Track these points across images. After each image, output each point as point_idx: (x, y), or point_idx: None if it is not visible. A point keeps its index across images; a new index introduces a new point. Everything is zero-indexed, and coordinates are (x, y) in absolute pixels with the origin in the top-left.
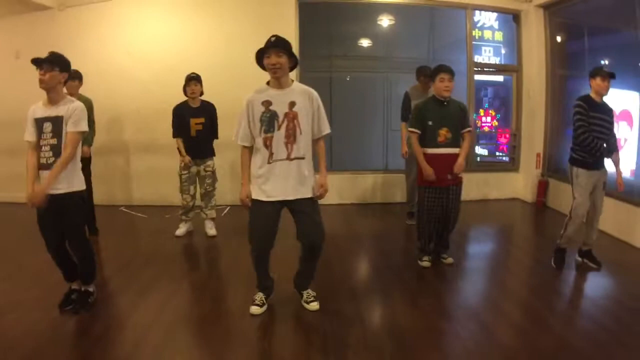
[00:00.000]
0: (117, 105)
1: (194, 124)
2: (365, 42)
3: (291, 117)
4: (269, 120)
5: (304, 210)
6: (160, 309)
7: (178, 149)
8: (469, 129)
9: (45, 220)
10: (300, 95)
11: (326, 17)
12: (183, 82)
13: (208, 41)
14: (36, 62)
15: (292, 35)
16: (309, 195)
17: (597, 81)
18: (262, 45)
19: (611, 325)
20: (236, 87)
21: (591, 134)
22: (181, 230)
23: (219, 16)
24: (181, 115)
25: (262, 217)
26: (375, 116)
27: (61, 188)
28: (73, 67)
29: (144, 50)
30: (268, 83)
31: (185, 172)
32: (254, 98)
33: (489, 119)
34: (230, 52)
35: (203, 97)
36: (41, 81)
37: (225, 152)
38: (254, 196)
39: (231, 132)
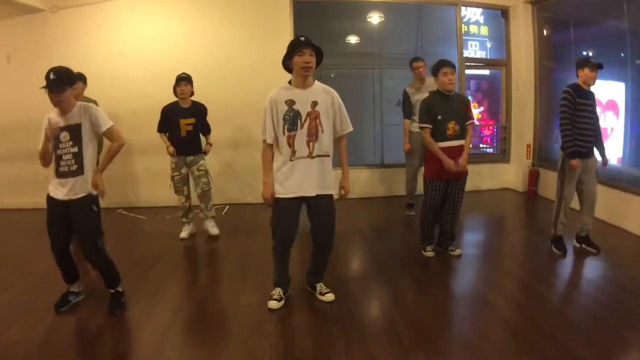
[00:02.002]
0: (112, 107)
1: (184, 124)
2: (354, 39)
3: (314, 116)
4: (293, 119)
5: (322, 208)
6: (176, 309)
7: (163, 141)
8: (471, 121)
9: (54, 223)
10: (322, 94)
11: (317, 15)
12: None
13: (203, 41)
14: (47, 87)
15: (287, 34)
16: (329, 192)
17: (586, 71)
18: (257, 46)
19: (609, 302)
20: (232, 87)
21: (572, 123)
22: (184, 232)
23: (214, 16)
24: (171, 116)
25: (285, 213)
26: (367, 112)
27: (83, 192)
28: None
29: (139, 51)
30: (290, 82)
31: (177, 173)
32: (278, 96)
33: (474, 111)
34: (226, 52)
35: (194, 98)
36: (56, 103)
37: (220, 152)
38: (276, 193)
39: (227, 132)
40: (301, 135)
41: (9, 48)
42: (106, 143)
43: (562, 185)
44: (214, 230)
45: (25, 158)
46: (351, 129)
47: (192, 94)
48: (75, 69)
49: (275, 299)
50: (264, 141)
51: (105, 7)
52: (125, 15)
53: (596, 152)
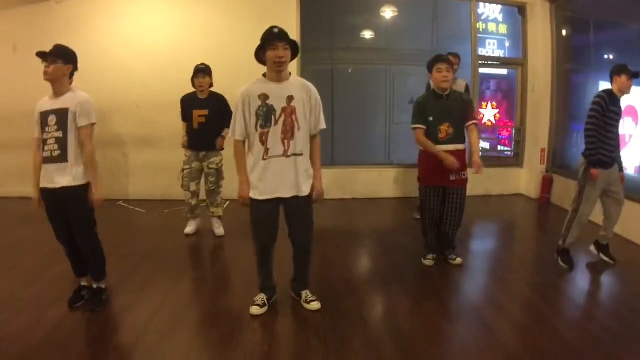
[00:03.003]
0: (115, 98)
1: (197, 115)
2: (367, 34)
3: (289, 112)
4: (266, 114)
5: (298, 209)
6: (157, 308)
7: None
8: (473, 121)
9: (51, 213)
10: (298, 89)
11: (328, 8)
12: (182, 75)
13: (208, 34)
14: (40, 55)
15: (293, 28)
16: (306, 194)
17: (623, 79)
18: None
19: (615, 327)
20: (237, 81)
21: (598, 129)
22: (189, 228)
23: (219, 8)
24: (186, 106)
25: (262, 217)
26: (377, 109)
27: (62, 182)
28: None
29: (143, 43)
30: (264, 75)
31: (187, 167)
32: (250, 91)
33: (491, 111)
34: (231, 45)
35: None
36: (45, 73)
37: (225, 147)
38: (251, 195)
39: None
40: (275, 132)
41: (15, 38)
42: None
43: (580, 197)
44: (218, 230)
45: (30, 147)
46: (324, 126)
47: (210, 85)
48: (80, 60)
49: (257, 305)
50: (236, 139)
51: None
52: (129, 6)
53: None
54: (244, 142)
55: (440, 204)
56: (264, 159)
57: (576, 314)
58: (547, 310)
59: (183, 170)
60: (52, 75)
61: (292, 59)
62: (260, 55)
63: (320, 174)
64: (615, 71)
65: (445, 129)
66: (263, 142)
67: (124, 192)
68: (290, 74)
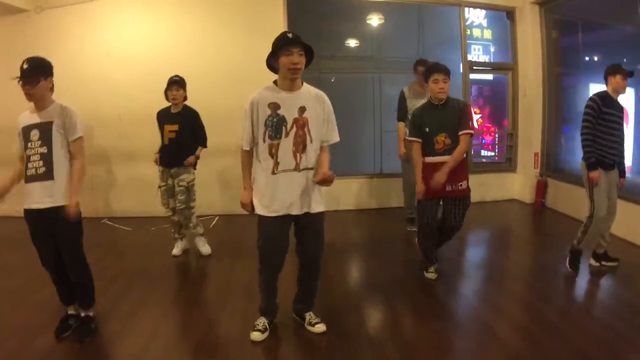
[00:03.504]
0: (97, 110)
1: (168, 131)
2: (354, 42)
3: (301, 124)
4: (276, 125)
5: (311, 228)
6: (150, 337)
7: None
8: (465, 131)
9: (37, 236)
10: (312, 99)
11: (314, 16)
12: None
13: (193, 42)
14: (19, 79)
15: None
16: (319, 210)
17: (617, 79)
18: (250, 47)
19: (618, 325)
20: (222, 90)
21: (593, 132)
22: (177, 249)
23: (205, 16)
24: (159, 121)
25: (271, 235)
26: (366, 118)
27: (51, 202)
28: None
29: (126, 53)
30: (275, 82)
31: (163, 184)
32: (260, 98)
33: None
34: (216, 53)
35: (188, 102)
36: (29, 95)
37: (213, 160)
38: (258, 211)
39: (218, 138)
40: (286, 144)
41: None
42: None
43: (591, 203)
44: (203, 249)
45: (7, 163)
46: (337, 139)
47: (184, 98)
48: (61, 70)
49: (258, 330)
50: (243, 148)
51: (90, 7)
52: (111, 16)
53: None
54: (250, 151)
55: (436, 215)
56: (273, 173)
57: (579, 315)
58: (554, 316)
59: (160, 187)
60: (39, 95)
61: (307, 65)
62: (272, 62)
63: (328, 164)
64: (610, 71)
65: (442, 139)
66: (272, 154)
67: (107, 210)
68: (302, 83)
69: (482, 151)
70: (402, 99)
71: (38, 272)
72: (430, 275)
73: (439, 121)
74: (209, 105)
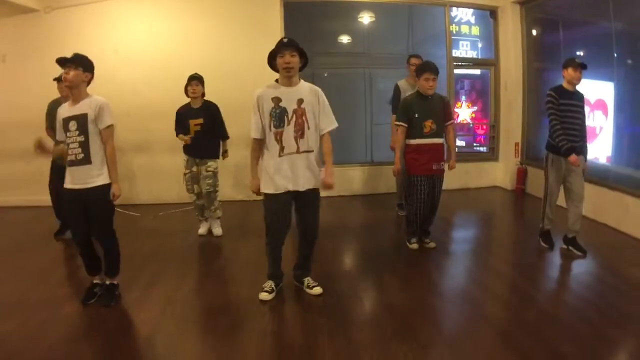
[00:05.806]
0: None
1: (193, 124)
2: (346, 39)
3: (300, 113)
4: (279, 115)
5: (310, 201)
6: (168, 301)
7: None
8: (451, 121)
9: (73, 213)
10: (307, 93)
11: (308, 15)
12: (171, 83)
13: (196, 41)
14: (60, 61)
15: (278, 35)
16: (316, 187)
17: (569, 71)
18: (249, 46)
19: (593, 298)
20: (223, 87)
21: (560, 123)
22: (202, 229)
23: (206, 16)
24: (182, 117)
25: (276, 209)
26: (358, 111)
27: (89, 183)
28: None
29: (133, 51)
30: (277, 81)
31: (187, 171)
32: (264, 93)
33: (466, 110)
34: (218, 52)
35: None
36: (65, 79)
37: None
38: (266, 190)
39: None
40: (288, 131)
41: (4, 48)
42: None
43: (547, 181)
44: (216, 230)
45: (20, 157)
46: (335, 125)
47: (203, 94)
48: None
49: (266, 291)
50: (253, 137)
51: (98, 7)
52: (119, 15)
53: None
54: (259, 140)
55: (425, 193)
56: (280, 156)
57: (559, 290)
58: (530, 288)
59: (185, 174)
60: (72, 81)
61: (303, 65)
62: (273, 63)
63: (331, 167)
64: (563, 65)
65: (429, 124)
66: (278, 140)
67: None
68: (300, 79)
69: (475, 144)
70: (397, 93)
71: (59, 250)
72: (414, 246)
73: (427, 109)
74: (210, 98)
